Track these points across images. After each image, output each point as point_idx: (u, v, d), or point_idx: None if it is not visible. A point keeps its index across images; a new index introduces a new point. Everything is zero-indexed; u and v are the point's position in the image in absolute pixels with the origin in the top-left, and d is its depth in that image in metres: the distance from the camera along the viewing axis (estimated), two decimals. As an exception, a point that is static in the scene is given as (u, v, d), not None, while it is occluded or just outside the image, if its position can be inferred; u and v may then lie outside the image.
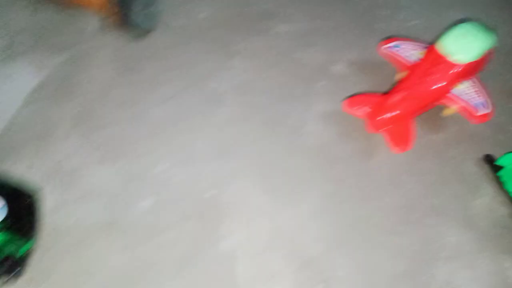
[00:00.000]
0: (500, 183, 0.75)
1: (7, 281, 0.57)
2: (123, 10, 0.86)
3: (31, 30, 0.93)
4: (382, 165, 0.79)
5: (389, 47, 0.87)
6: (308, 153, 0.80)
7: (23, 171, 0.72)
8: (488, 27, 0.80)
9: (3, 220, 0.54)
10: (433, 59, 0.78)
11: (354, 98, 0.81)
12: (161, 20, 0.96)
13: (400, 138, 0.76)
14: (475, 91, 0.78)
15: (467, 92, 0.78)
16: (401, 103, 0.76)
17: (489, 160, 0.78)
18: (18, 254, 0.58)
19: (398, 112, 0.76)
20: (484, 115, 0.77)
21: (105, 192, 0.72)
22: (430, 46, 0.81)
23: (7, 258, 0.56)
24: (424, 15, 1.03)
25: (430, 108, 0.80)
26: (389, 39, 0.90)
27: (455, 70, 0.76)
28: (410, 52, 0.86)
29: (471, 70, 0.78)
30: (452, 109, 0.81)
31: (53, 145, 0.76)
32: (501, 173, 0.75)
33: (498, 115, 0.83)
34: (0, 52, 0.87)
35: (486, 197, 0.75)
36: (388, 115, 0.76)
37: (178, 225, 0.70)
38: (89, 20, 0.95)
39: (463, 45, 0.75)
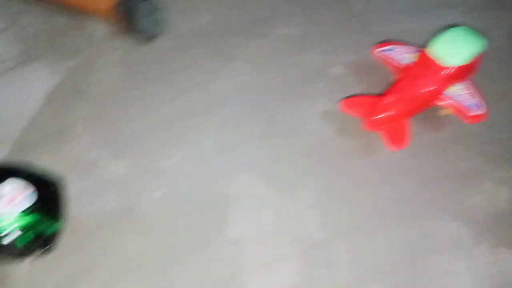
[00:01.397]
0: None
1: (40, 255, 0.66)
2: (129, 17, 0.91)
3: (44, 36, 0.98)
4: (379, 162, 0.83)
5: (383, 50, 0.93)
6: (308, 150, 0.85)
7: (46, 163, 0.78)
8: (478, 32, 0.84)
9: (33, 204, 0.61)
10: (424, 62, 0.83)
11: (350, 99, 0.86)
12: (167, 25, 1.02)
13: (396, 136, 0.81)
14: (468, 93, 0.82)
15: (460, 94, 0.82)
16: (394, 104, 0.81)
17: None
18: (49, 233, 0.66)
19: (392, 112, 0.80)
20: (477, 116, 0.81)
21: (121, 182, 0.78)
22: (421, 50, 0.86)
23: (39, 236, 0.63)
24: (420, 18, 1.09)
25: (426, 109, 0.85)
26: (383, 43, 0.95)
27: (445, 73, 0.81)
28: (403, 55, 0.90)
29: (462, 73, 0.82)
30: (447, 110, 0.85)
31: (72, 141, 0.81)
32: None
33: (493, 114, 0.87)
34: (17, 57, 0.92)
35: (486, 193, 0.79)
36: (383, 115, 0.80)
37: (188, 214, 0.76)
38: (97, 26, 1.00)
39: (452, 49, 0.80)
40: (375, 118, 0.81)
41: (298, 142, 0.86)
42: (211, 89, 0.93)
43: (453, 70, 0.80)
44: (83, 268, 0.70)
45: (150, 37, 0.96)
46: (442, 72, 0.80)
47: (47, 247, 0.66)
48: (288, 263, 0.72)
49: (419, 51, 0.87)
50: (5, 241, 0.60)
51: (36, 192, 0.63)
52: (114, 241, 0.72)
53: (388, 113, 0.81)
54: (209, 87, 0.93)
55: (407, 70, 0.87)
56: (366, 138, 0.86)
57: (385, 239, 0.74)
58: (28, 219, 0.62)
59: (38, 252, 0.65)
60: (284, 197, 0.79)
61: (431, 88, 0.81)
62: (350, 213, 0.77)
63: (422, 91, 0.81)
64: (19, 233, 0.62)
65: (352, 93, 0.92)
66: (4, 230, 0.60)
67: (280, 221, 0.76)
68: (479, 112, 0.81)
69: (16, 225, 0.61)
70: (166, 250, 0.72)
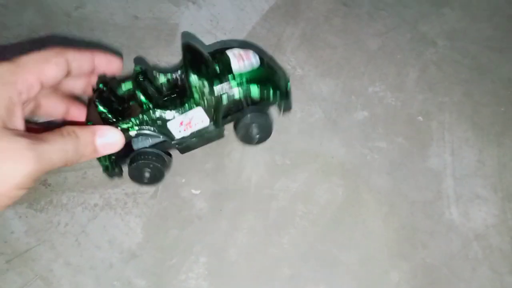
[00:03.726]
0: None
1: (282, 111, 0.64)
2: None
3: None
4: None
5: None
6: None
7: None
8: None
9: (261, 59, 0.59)
10: None
11: None
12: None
13: None
14: None
15: None
16: None
17: None
18: (284, 87, 0.62)
19: None
20: None
21: (327, 98, 0.83)
22: None
23: (277, 88, 0.60)
24: None
25: None
26: None
27: None
28: None
29: None
30: None
31: (284, 56, 0.88)
32: None
33: None
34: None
35: None
36: None
37: (388, 137, 0.79)
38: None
39: None
40: None
41: (505, 94, 0.82)
42: (417, 30, 0.93)
43: None
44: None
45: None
46: None
47: (285, 95, 0.61)
48: (486, 204, 0.71)
49: None
50: (239, 95, 0.58)
51: (257, 54, 0.60)
52: (316, 145, 0.79)
53: None
54: (415, 28, 0.94)
55: None
56: None
57: None
58: (259, 72, 0.58)
59: (280, 104, 0.62)
60: (486, 143, 0.77)
61: None
62: None
63: None
64: (253, 81, 0.58)
65: None
66: (240, 83, 0.57)
67: (481, 166, 0.75)
68: None
69: (249, 78, 0.58)
70: (365, 162, 0.77)
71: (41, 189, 0.73)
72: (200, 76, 0.56)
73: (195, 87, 0.57)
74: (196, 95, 0.58)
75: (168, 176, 0.72)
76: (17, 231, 0.69)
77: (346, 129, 0.80)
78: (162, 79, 0.60)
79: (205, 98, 0.58)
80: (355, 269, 0.67)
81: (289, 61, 0.89)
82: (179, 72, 0.61)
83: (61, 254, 0.67)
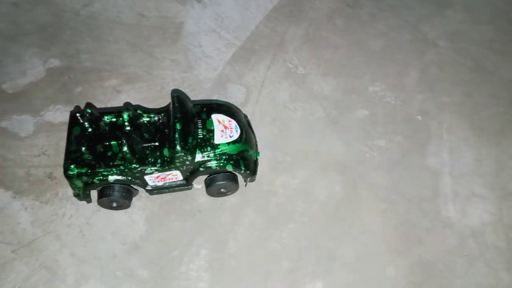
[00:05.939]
0: None
1: (248, 180, 0.71)
2: None
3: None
4: None
5: None
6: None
7: (261, 72, 0.88)
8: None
9: (239, 135, 0.66)
10: None
11: None
12: None
13: None
14: None
15: None
16: None
17: None
18: (252, 160, 0.70)
19: None
20: None
21: (328, 96, 0.84)
22: None
23: (246, 162, 0.68)
24: None
25: None
26: None
27: None
28: None
29: None
30: None
31: (286, 54, 0.90)
32: None
33: None
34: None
35: None
36: None
37: (387, 136, 0.80)
38: None
39: None
40: None
41: (505, 95, 0.83)
42: (419, 31, 0.94)
43: None
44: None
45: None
46: None
47: (253, 173, 0.69)
48: (482, 202, 0.73)
49: None
50: (219, 165, 0.65)
51: (238, 125, 0.67)
52: (316, 145, 0.80)
53: None
54: (417, 29, 0.95)
55: None
56: None
57: None
58: (236, 148, 0.67)
59: (246, 177, 0.70)
60: (485, 142, 0.79)
61: None
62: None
63: None
64: (230, 159, 0.66)
65: None
66: (219, 157, 0.65)
67: (478, 166, 0.76)
68: None
69: (227, 153, 0.66)
70: (364, 160, 0.78)
71: (47, 182, 0.75)
72: (185, 150, 0.63)
73: (179, 158, 0.64)
74: (178, 164, 0.65)
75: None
76: (24, 222, 0.71)
77: (346, 127, 0.81)
78: (145, 118, 0.68)
79: (185, 166, 0.66)
80: (352, 264, 0.68)
81: (291, 60, 0.90)
82: (161, 115, 0.68)
83: (66, 245, 0.69)
